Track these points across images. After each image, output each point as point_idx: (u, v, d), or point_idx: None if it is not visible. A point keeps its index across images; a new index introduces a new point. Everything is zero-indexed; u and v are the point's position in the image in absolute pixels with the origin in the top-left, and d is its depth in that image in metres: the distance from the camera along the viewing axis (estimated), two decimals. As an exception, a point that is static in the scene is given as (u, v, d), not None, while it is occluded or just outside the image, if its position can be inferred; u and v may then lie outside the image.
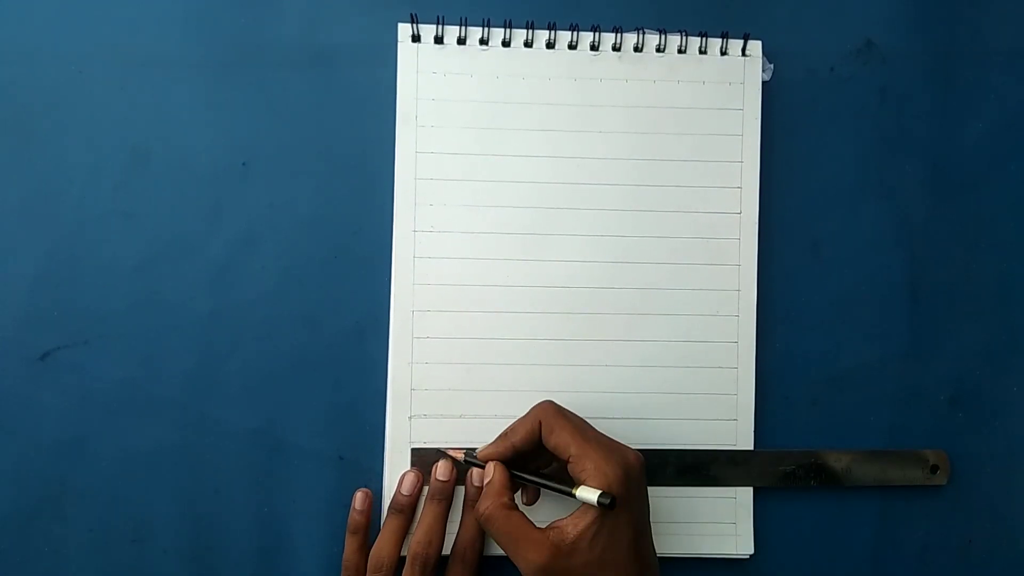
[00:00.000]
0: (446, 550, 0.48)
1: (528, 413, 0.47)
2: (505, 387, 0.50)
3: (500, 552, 0.49)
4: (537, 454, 0.47)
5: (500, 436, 0.47)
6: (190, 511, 0.49)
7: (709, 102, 0.51)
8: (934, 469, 0.52)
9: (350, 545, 0.48)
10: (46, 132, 0.49)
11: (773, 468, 0.51)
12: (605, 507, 0.41)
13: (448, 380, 0.50)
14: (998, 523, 0.53)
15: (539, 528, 0.43)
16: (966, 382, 0.53)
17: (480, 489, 0.48)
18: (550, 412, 0.46)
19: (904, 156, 0.53)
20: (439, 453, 0.49)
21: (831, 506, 0.52)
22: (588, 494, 0.42)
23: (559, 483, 0.44)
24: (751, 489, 0.51)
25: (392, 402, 0.49)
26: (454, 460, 0.49)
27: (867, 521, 0.52)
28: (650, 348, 0.51)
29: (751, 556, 0.51)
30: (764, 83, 0.52)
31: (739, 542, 0.51)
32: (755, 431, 0.51)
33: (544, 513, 0.48)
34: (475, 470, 0.48)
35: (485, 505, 0.44)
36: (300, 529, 0.49)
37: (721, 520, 0.51)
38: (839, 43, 0.53)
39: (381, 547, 0.47)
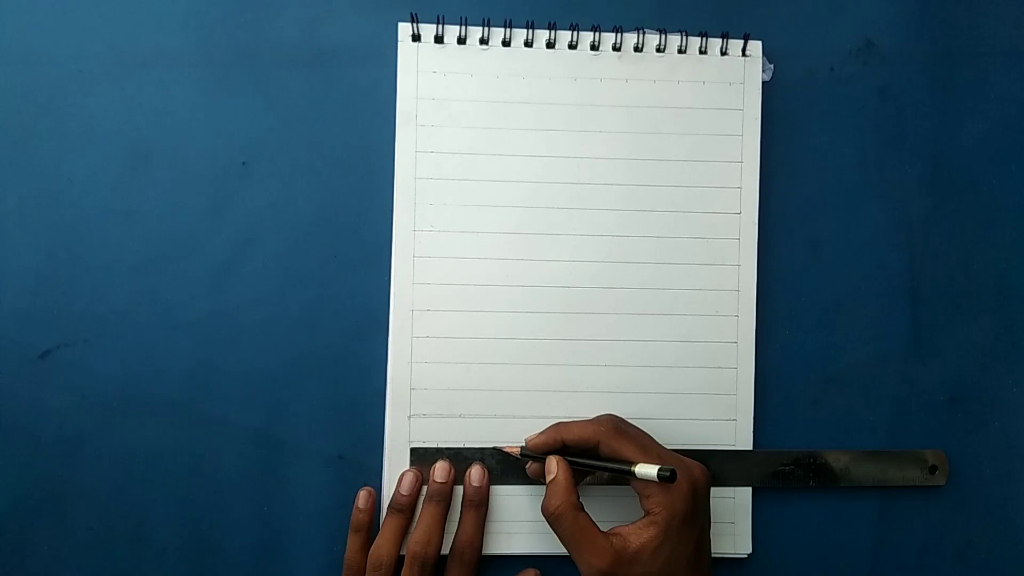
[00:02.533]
0: (445, 550, 0.48)
1: (587, 423, 0.47)
2: (505, 387, 0.50)
3: (499, 552, 0.49)
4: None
5: (552, 428, 0.47)
6: (190, 511, 0.49)
7: (709, 102, 0.51)
8: (933, 469, 0.52)
9: (352, 544, 0.48)
10: (46, 132, 0.49)
11: (772, 468, 0.51)
12: (666, 480, 0.42)
13: (448, 380, 0.50)
14: (997, 524, 0.53)
15: (603, 533, 0.44)
16: (966, 382, 0.53)
17: (479, 489, 0.48)
18: (610, 433, 0.46)
19: (904, 156, 0.53)
20: (496, 451, 0.49)
21: (830, 506, 0.52)
22: (648, 470, 0.43)
23: (616, 464, 0.45)
24: (750, 489, 0.51)
25: (392, 402, 0.49)
26: (450, 459, 0.49)
27: (866, 521, 0.52)
28: (650, 348, 0.51)
29: (749, 555, 0.51)
30: (764, 83, 0.52)
31: (737, 541, 0.51)
32: (754, 431, 0.51)
33: (601, 512, 0.47)
34: (473, 470, 0.49)
35: (555, 504, 0.44)
36: (300, 529, 0.49)
37: (720, 519, 0.51)
38: (839, 43, 0.53)
39: (380, 546, 0.48)
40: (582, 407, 0.50)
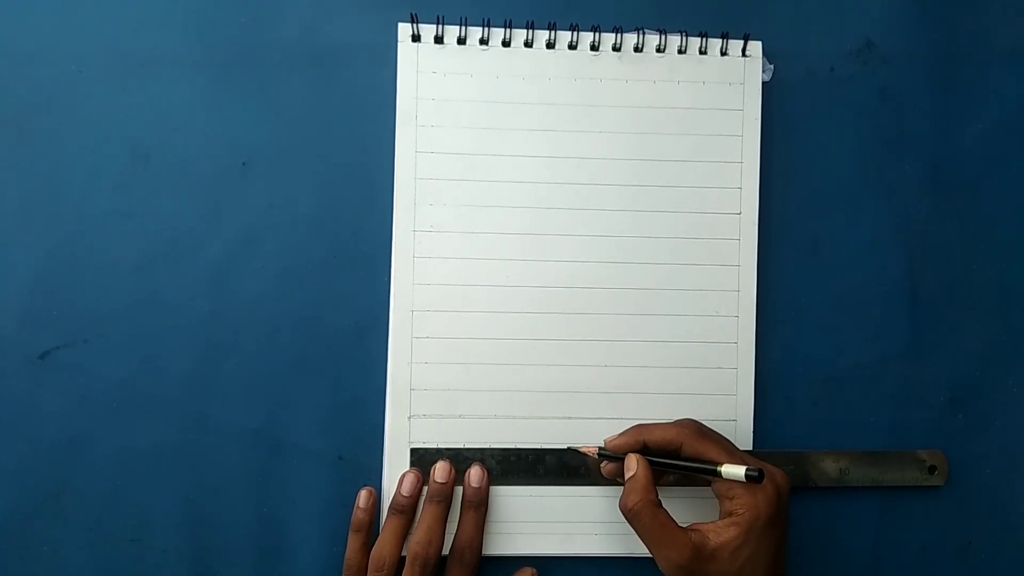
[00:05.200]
0: (445, 550, 0.48)
1: (669, 425, 0.47)
2: (505, 387, 0.50)
3: (499, 552, 0.49)
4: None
5: (633, 429, 0.47)
6: (190, 511, 0.49)
7: (709, 102, 0.51)
8: (932, 469, 0.52)
9: (353, 543, 0.48)
10: (46, 132, 0.49)
11: (772, 468, 0.51)
12: (754, 480, 0.42)
13: (448, 380, 0.50)
14: (997, 524, 0.53)
15: (682, 528, 0.44)
16: (965, 382, 0.53)
17: (478, 489, 0.48)
18: (694, 435, 0.46)
19: (904, 156, 0.53)
20: (571, 451, 0.49)
21: (830, 506, 0.52)
22: (735, 470, 0.43)
23: (700, 464, 0.45)
24: (750, 489, 0.51)
25: (392, 402, 0.49)
26: (450, 460, 0.49)
27: (866, 522, 0.52)
28: (650, 348, 0.51)
29: (750, 556, 0.51)
30: (764, 83, 0.52)
31: (738, 542, 0.51)
32: (754, 431, 0.51)
33: (674, 513, 0.46)
34: (473, 470, 0.49)
35: (634, 500, 0.44)
36: (300, 529, 0.49)
37: (720, 520, 0.51)
38: (839, 43, 0.53)
39: (382, 547, 0.48)
40: (582, 407, 0.50)
